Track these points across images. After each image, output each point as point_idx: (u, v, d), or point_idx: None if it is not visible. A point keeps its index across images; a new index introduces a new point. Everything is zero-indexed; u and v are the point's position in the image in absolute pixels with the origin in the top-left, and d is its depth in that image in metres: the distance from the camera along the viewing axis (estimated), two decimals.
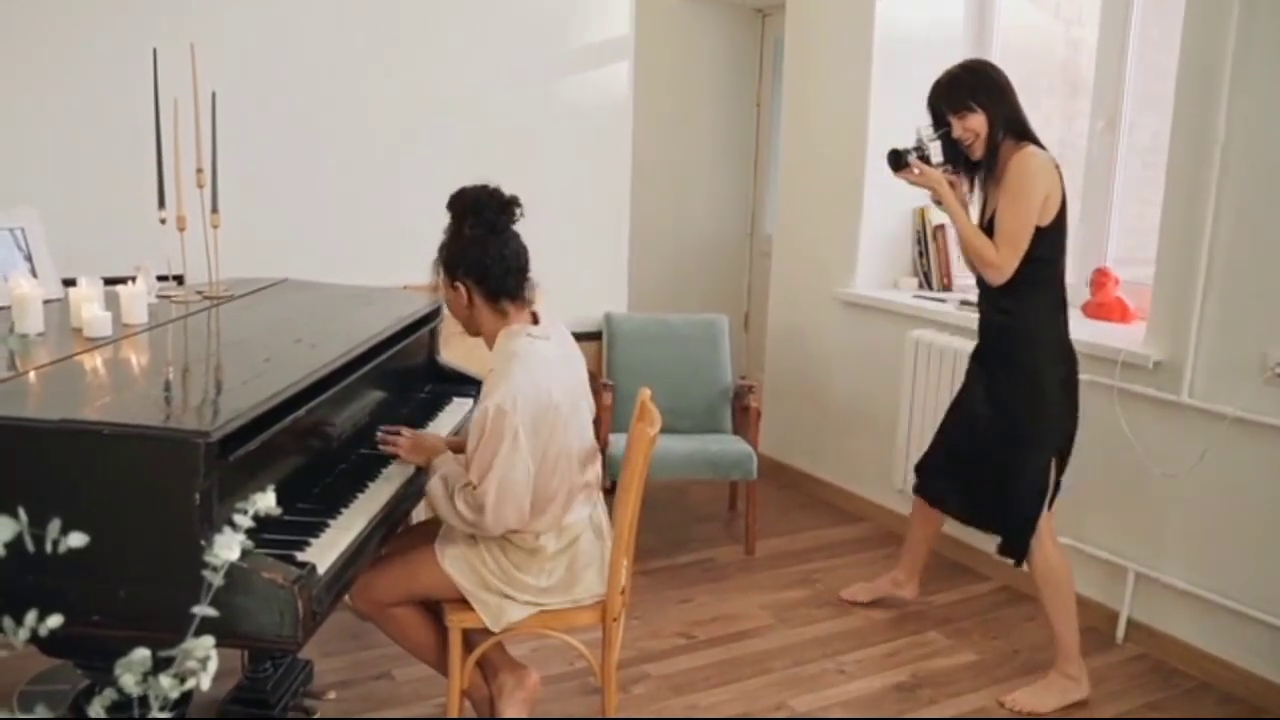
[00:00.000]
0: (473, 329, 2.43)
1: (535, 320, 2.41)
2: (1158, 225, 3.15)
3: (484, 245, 2.31)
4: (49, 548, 0.90)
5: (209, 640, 0.95)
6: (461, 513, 2.24)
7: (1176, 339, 3.09)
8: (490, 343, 2.38)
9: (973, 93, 2.81)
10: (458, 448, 2.48)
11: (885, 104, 4.18)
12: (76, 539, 0.93)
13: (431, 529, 2.51)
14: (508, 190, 2.39)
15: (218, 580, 0.97)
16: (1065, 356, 2.86)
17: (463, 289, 2.34)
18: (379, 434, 2.46)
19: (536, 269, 2.41)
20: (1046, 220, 2.75)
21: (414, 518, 2.92)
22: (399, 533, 2.48)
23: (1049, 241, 2.77)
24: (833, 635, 3.30)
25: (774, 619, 3.41)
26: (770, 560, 3.88)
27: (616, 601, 2.40)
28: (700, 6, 5.61)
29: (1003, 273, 2.77)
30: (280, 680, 2.66)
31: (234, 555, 0.98)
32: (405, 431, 2.49)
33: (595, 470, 2.47)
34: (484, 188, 2.34)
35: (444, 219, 2.36)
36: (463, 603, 2.33)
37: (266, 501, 1.02)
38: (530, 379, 2.26)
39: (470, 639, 2.42)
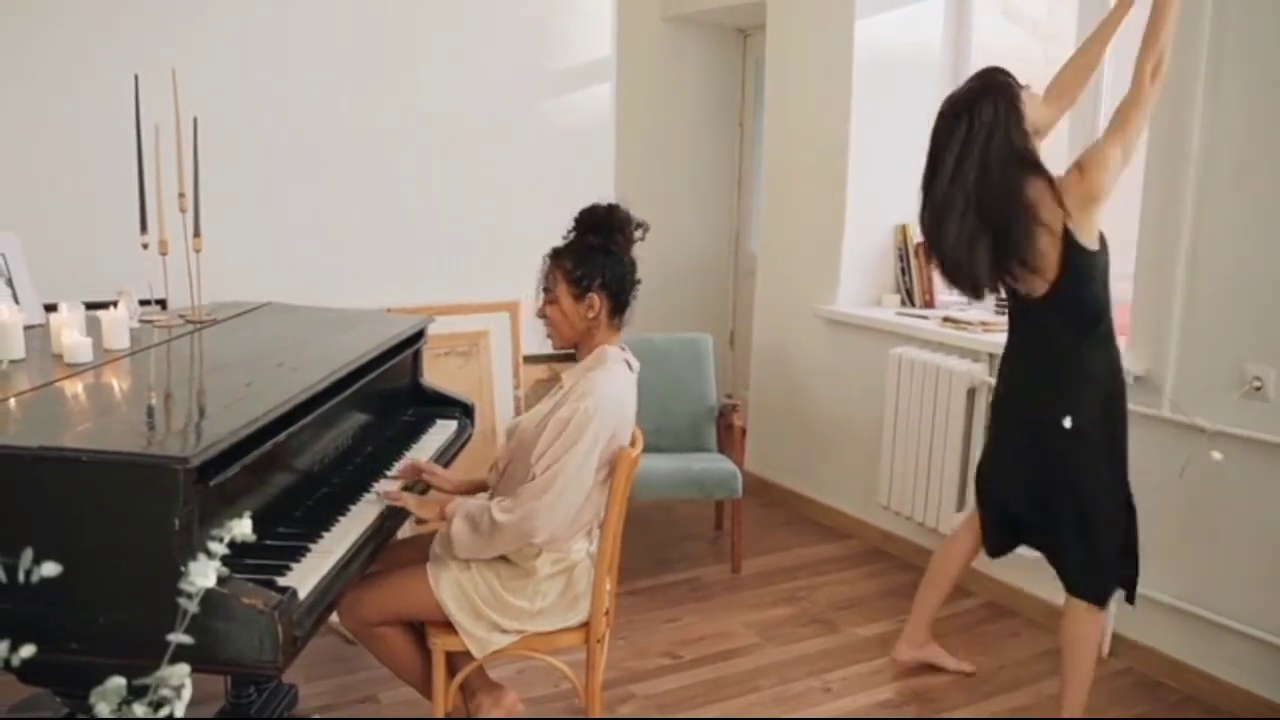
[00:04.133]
0: (574, 340, 2.44)
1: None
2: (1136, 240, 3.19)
3: (622, 261, 2.40)
4: (21, 577, 0.90)
5: (184, 668, 0.94)
6: (500, 521, 2.22)
7: (1156, 353, 3.12)
8: (583, 356, 2.42)
9: None
10: (466, 489, 2.51)
11: (866, 122, 4.23)
12: (50, 568, 0.93)
13: (423, 545, 2.50)
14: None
15: (193, 607, 0.96)
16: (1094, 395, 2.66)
17: (596, 300, 2.37)
18: (382, 488, 2.39)
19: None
20: (1086, 236, 2.54)
21: (401, 533, 2.91)
22: (388, 546, 2.47)
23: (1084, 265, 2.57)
24: (819, 653, 3.31)
25: (760, 638, 3.41)
26: (756, 578, 3.88)
27: (600, 622, 2.40)
28: (682, 27, 5.65)
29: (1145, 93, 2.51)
30: (264, 705, 2.64)
31: (209, 582, 0.98)
32: (416, 467, 2.50)
33: (604, 505, 2.48)
34: (618, 206, 2.44)
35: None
36: (447, 625, 2.32)
37: (242, 528, 1.02)
38: (617, 399, 2.33)
39: (453, 661, 2.42)
